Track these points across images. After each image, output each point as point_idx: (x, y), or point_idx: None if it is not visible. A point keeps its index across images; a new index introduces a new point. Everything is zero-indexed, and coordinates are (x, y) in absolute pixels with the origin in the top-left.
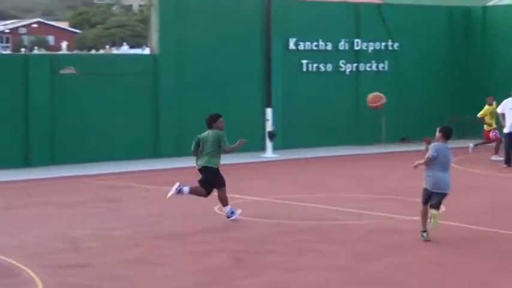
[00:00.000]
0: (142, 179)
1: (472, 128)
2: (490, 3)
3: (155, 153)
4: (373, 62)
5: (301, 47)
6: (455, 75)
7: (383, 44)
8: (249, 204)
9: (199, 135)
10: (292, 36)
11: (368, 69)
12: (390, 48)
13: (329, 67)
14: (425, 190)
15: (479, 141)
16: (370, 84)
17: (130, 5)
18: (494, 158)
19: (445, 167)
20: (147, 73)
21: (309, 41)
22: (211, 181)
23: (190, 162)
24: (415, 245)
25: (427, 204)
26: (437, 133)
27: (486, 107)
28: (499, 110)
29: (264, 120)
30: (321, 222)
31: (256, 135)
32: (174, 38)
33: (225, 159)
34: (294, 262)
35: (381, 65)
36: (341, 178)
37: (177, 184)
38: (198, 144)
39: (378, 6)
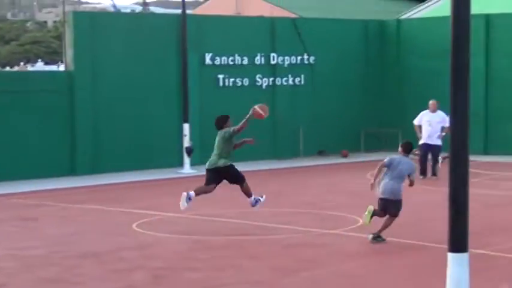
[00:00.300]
0: (58, 197)
1: (388, 141)
2: (404, 17)
3: (71, 171)
4: (290, 76)
5: (217, 61)
6: (370, 88)
7: (299, 57)
8: (168, 221)
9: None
10: (208, 51)
11: (284, 83)
12: (306, 62)
13: (245, 81)
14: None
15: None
16: (286, 98)
17: (45, 22)
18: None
19: (394, 176)
20: (62, 90)
21: (225, 56)
22: (228, 178)
23: (108, 179)
24: (332, 258)
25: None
26: (399, 148)
27: None
28: (416, 122)
29: (181, 135)
30: (240, 238)
31: (174, 151)
32: (89, 55)
33: (144, 176)
34: (214, 278)
35: (297, 79)
36: (259, 192)
37: (184, 194)
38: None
39: (293, 20)
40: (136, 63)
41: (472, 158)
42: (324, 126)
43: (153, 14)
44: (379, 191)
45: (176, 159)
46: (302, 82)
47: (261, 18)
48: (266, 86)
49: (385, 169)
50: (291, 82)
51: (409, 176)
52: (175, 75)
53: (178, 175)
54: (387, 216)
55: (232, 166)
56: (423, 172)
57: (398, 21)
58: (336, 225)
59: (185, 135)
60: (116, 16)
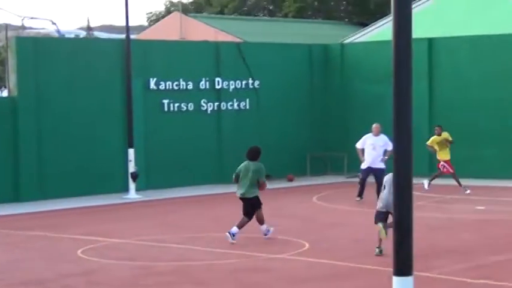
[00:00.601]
0: (1, 224)
1: (333, 164)
2: (348, 41)
3: (15, 197)
4: (235, 100)
5: (162, 86)
6: (315, 112)
7: (244, 82)
8: (113, 247)
9: (240, 167)
10: (153, 76)
11: (229, 107)
12: (251, 86)
13: (190, 106)
14: (377, 211)
15: (433, 175)
16: (232, 122)
17: None
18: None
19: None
20: (5, 115)
21: (169, 81)
22: (253, 206)
23: (52, 205)
24: (280, 283)
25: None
26: None
27: (433, 137)
28: (359, 145)
29: (126, 160)
30: (186, 263)
31: (119, 176)
32: (33, 80)
33: (89, 201)
34: None
35: (242, 103)
36: (205, 217)
37: (228, 235)
38: (238, 174)
39: (237, 44)
40: (80, 88)
41: (417, 180)
42: (269, 151)
43: (97, 39)
44: (379, 205)
45: (121, 184)
46: (247, 106)
47: (205, 43)
48: (211, 111)
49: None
50: (236, 106)
51: None
52: (120, 100)
53: (123, 200)
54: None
55: (257, 197)
56: (360, 194)
57: (342, 45)
58: (283, 250)
59: (130, 161)
60: (59, 41)
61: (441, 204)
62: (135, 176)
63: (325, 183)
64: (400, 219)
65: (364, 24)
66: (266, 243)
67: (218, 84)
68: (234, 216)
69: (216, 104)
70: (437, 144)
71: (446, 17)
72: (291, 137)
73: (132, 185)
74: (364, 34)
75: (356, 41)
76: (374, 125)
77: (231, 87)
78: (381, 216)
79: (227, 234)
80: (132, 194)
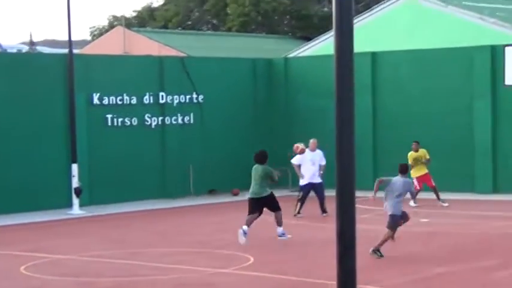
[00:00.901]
0: None
1: (278, 178)
2: (292, 55)
3: None
4: (179, 115)
5: (105, 101)
6: (260, 126)
7: (188, 96)
8: (57, 263)
9: (252, 169)
10: (96, 91)
11: (174, 122)
12: (195, 100)
13: (134, 121)
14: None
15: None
16: (176, 137)
17: None
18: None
19: (396, 195)
20: None
21: (113, 96)
22: (268, 205)
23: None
24: None
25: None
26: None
27: (410, 152)
28: (296, 161)
29: (69, 176)
30: (130, 279)
31: (62, 192)
32: None
33: (32, 217)
34: None
35: (186, 118)
36: (150, 232)
37: (240, 231)
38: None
39: (181, 59)
40: (22, 103)
41: (362, 194)
42: (214, 165)
43: (40, 54)
44: (387, 209)
45: (65, 200)
46: (191, 121)
47: (149, 57)
48: (155, 125)
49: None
50: (180, 121)
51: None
52: (63, 115)
53: (67, 216)
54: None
55: (273, 194)
56: (299, 211)
57: (286, 59)
58: (228, 264)
59: (74, 176)
60: (1, 55)
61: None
62: (78, 192)
63: None
64: (343, 231)
65: (308, 39)
66: (211, 258)
67: (162, 99)
68: (178, 231)
69: (160, 118)
70: (413, 160)
71: (389, 32)
72: (236, 151)
73: (75, 201)
74: (308, 48)
75: (300, 55)
76: (312, 140)
77: (175, 101)
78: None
79: (240, 231)
80: (76, 210)
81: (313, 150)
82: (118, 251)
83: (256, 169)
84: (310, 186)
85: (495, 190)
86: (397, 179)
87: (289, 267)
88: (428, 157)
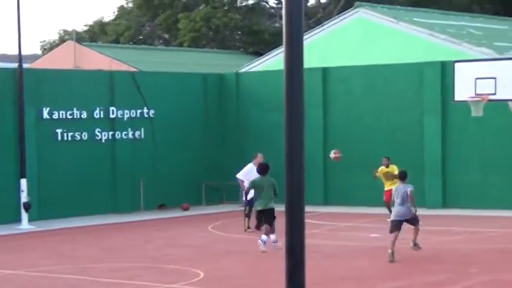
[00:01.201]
0: None
1: (229, 193)
2: (243, 70)
3: None
4: (129, 129)
5: (55, 116)
6: (211, 141)
7: (138, 111)
8: (4, 279)
9: (253, 181)
10: (46, 106)
11: (124, 136)
12: (146, 115)
13: (84, 136)
14: (392, 221)
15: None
16: (126, 151)
17: None
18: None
19: (401, 202)
20: None
21: (63, 110)
22: (270, 217)
23: None
24: None
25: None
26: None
27: (381, 167)
28: (242, 176)
29: (18, 190)
30: None
31: (11, 207)
32: None
33: None
34: None
35: (137, 133)
36: (100, 248)
37: (261, 242)
38: (251, 188)
39: (132, 74)
40: None
41: (312, 209)
42: (164, 180)
43: None
44: (393, 215)
45: (13, 215)
46: (142, 136)
47: (99, 71)
48: (105, 140)
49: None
50: (130, 136)
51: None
52: (12, 130)
53: (15, 231)
54: (414, 227)
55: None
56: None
57: (237, 74)
58: (178, 279)
59: (23, 191)
60: None
61: (336, 231)
62: (27, 206)
63: (220, 212)
64: (292, 247)
65: (259, 54)
66: (161, 273)
67: (113, 114)
68: (128, 246)
69: (111, 133)
70: (384, 175)
71: (340, 47)
72: (186, 166)
73: (24, 215)
74: (259, 64)
75: (251, 70)
76: (259, 154)
77: (126, 116)
78: (398, 226)
79: (259, 242)
80: (25, 225)
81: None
82: (68, 266)
83: (264, 180)
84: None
85: (445, 205)
86: (399, 186)
87: (238, 282)
88: (396, 173)
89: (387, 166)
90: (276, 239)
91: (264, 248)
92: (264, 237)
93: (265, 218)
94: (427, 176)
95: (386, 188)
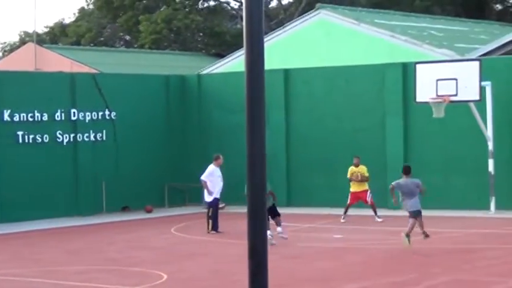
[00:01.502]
0: None
1: (192, 195)
2: (205, 72)
3: None
4: (91, 131)
5: (16, 118)
6: (173, 142)
7: (100, 113)
8: None
9: None
10: (7, 108)
11: (86, 139)
12: (107, 117)
13: (46, 138)
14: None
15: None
16: (88, 154)
17: None
18: (377, 219)
19: (410, 194)
20: None
21: (24, 112)
22: (270, 213)
23: None
24: None
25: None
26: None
27: (351, 167)
28: (206, 177)
29: None
30: None
31: None
32: None
33: None
34: None
35: (98, 135)
36: (62, 250)
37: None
38: None
39: (93, 75)
40: None
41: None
42: (127, 182)
43: None
44: (405, 208)
45: None
46: (104, 138)
47: (60, 73)
48: (67, 142)
49: (401, 194)
50: (92, 138)
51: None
52: None
53: None
54: (417, 219)
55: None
56: (217, 226)
57: (199, 76)
58: (140, 282)
59: None
60: None
61: (298, 233)
62: None
63: (183, 214)
64: (254, 249)
65: (221, 56)
66: (123, 276)
67: (74, 116)
68: (90, 248)
69: (72, 135)
70: (351, 175)
71: (302, 49)
72: (149, 167)
73: None
74: (221, 65)
75: (213, 72)
76: (221, 156)
77: (87, 118)
78: (411, 215)
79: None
80: None
81: (220, 165)
82: (30, 270)
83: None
84: (217, 201)
85: None
86: (406, 181)
87: (201, 284)
88: (366, 175)
89: (357, 166)
90: (281, 230)
91: (273, 242)
92: (279, 229)
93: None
94: (389, 177)
95: (352, 190)
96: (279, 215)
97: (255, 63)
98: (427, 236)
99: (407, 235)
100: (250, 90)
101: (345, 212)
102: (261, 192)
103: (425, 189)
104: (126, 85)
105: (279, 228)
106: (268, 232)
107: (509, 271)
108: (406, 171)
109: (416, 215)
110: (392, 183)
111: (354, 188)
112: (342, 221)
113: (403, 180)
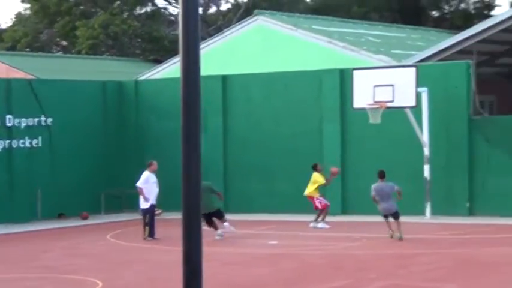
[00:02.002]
0: None
1: (129, 202)
2: (142, 78)
3: None
4: (27, 138)
5: None
6: (110, 148)
7: (36, 119)
8: None
9: None
10: None
11: (21, 145)
12: (43, 123)
13: None
14: (384, 216)
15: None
16: (24, 160)
17: None
18: (320, 225)
19: (385, 198)
20: None
21: None
22: (216, 216)
23: None
24: None
25: (387, 218)
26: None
27: (314, 173)
28: (142, 184)
29: None
30: None
31: None
32: None
33: None
34: None
35: (34, 141)
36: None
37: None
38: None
39: (29, 81)
40: None
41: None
42: (63, 189)
43: None
44: (382, 211)
45: None
46: (40, 144)
47: None
48: (2, 149)
49: (377, 197)
50: (28, 144)
51: (394, 190)
52: None
53: None
54: (395, 221)
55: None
56: (154, 233)
57: (137, 82)
58: None
59: None
60: None
61: (235, 239)
62: None
63: (120, 220)
64: (189, 256)
65: (159, 61)
66: (58, 283)
67: (9, 122)
68: (25, 256)
69: (7, 142)
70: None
71: (240, 55)
72: (85, 174)
73: None
74: (159, 71)
75: (151, 77)
76: (155, 162)
77: (23, 124)
78: (387, 217)
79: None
80: None
81: (154, 171)
82: None
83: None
84: (154, 207)
85: (344, 211)
86: (381, 185)
87: None
88: (324, 182)
89: (319, 171)
90: (229, 226)
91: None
92: (225, 227)
93: (215, 217)
94: None
95: (305, 192)
96: (223, 216)
97: (191, 69)
98: (400, 238)
99: (392, 230)
100: (185, 96)
101: (317, 219)
102: (196, 199)
103: (401, 191)
104: (62, 91)
105: (226, 224)
106: (219, 231)
107: (444, 276)
108: (381, 175)
109: (395, 216)
110: (371, 192)
111: (307, 190)
112: (326, 227)
113: (378, 184)
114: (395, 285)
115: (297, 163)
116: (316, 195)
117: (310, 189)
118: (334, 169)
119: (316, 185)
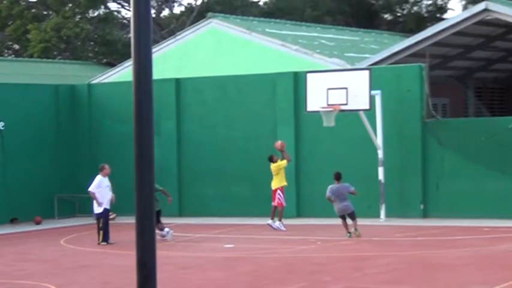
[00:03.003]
0: None
1: (82, 206)
2: (95, 81)
3: None
4: None
5: None
6: (63, 152)
7: None
8: None
9: None
10: None
11: None
12: None
13: None
14: (340, 216)
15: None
16: None
17: None
18: (277, 224)
19: (341, 199)
20: None
21: None
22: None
23: None
24: None
25: (344, 219)
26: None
27: (272, 164)
28: (95, 189)
29: None
30: None
31: None
32: None
33: None
34: None
35: None
36: None
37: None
38: None
39: None
40: None
41: (167, 220)
42: (15, 193)
43: None
44: (338, 212)
45: None
46: None
47: None
48: None
49: (332, 197)
50: None
51: (349, 191)
52: None
53: None
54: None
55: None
56: (108, 237)
57: (90, 85)
58: None
59: None
60: None
61: (190, 243)
62: None
63: (73, 225)
64: (142, 260)
65: (112, 65)
66: None
67: None
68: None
69: None
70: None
71: (194, 58)
72: (38, 178)
73: None
74: (112, 74)
75: (104, 81)
76: (107, 166)
77: None
78: (344, 217)
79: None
80: None
81: (107, 175)
82: None
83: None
84: (107, 212)
85: (299, 214)
86: (337, 187)
87: None
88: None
89: (275, 162)
90: (167, 231)
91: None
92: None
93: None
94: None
95: (278, 186)
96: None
97: (143, 73)
98: (358, 235)
99: (349, 232)
100: (137, 100)
101: (273, 217)
102: (149, 203)
103: (356, 193)
104: (14, 95)
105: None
106: (166, 229)
107: (399, 278)
108: (337, 177)
109: (351, 216)
110: (327, 193)
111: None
112: (282, 229)
113: (334, 185)
114: (350, 287)
115: (252, 166)
116: (280, 186)
117: (275, 182)
118: (277, 144)
119: (281, 172)
